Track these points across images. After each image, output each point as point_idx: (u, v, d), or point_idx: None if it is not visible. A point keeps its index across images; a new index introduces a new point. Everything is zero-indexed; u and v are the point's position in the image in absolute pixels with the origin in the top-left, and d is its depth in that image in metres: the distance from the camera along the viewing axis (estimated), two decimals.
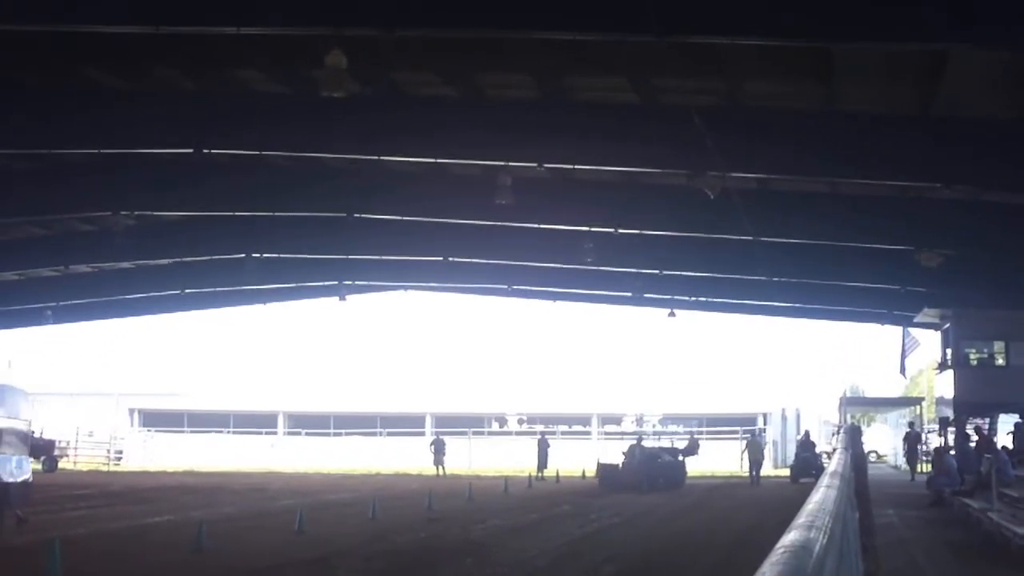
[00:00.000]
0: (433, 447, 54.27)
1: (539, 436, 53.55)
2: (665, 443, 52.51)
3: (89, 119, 21.41)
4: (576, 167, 24.49)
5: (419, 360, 70.61)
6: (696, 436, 53.46)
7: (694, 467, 48.44)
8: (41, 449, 47.45)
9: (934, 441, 45.10)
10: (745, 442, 50.53)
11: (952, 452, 33.92)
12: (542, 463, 49.14)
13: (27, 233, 33.21)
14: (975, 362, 38.45)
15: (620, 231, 29.65)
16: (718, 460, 53.76)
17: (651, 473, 39.41)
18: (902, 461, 57.68)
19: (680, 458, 43.58)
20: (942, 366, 40.98)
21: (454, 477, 47.99)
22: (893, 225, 26.31)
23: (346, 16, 15.06)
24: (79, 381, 69.06)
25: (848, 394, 61.32)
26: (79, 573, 16.05)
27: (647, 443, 47.44)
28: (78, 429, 63.19)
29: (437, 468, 52.48)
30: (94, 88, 21.35)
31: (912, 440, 47.97)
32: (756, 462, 46.59)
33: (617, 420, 68.43)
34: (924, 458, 49.38)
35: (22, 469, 23.81)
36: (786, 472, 48.89)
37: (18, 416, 24.33)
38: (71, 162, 26.90)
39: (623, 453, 42.19)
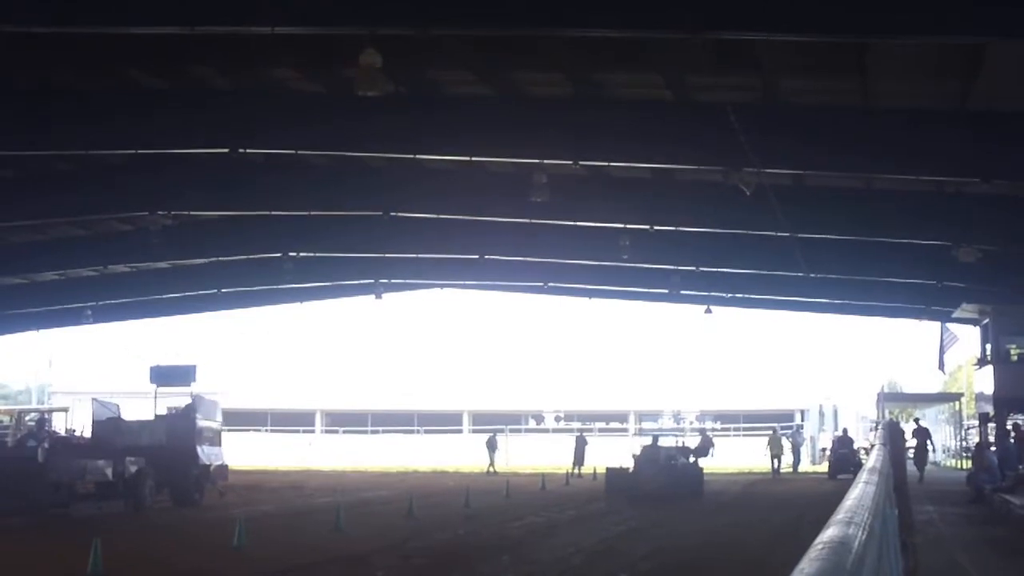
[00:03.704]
0: (488, 445, 54.42)
1: (576, 433, 53.54)
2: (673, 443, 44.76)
3: (126, 120, 21.54)
4: (611, 164, 24.46)
5: (456, 358, 70.60)
6: (709, 433, 52.06)
7: (725, 464, 48.38)
8: None
9: (974, 437, 44.71)
10: (768, 438, 51.32)
11: (993, 448, 33.69)
12: (579, 460, 49.19)
13: (66, 233, 33.47)
14: (1015, 358, 38.19)
15: (656, 228, 29.61)
16: (756, 456, 53.62)
17: (668, 479, 33.48)
18: (941, 457, 57.30)
19: (691, 459, 37.11)
20: (981, 362, 40.74)
21: (493, 474, 48.03)
22: (931, 221, 26.16)
23: (380, 15, 15.11)
24: (118, 380, 69.45)
25: (886, 390, 60.95)
26: (119, 572, 16.15)
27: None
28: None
29: (490, 465, 52.53)
30: (131, 89, 21.51)
31: (921, 437, 43.92)
32: (777, 456, 49.56)
33: (654, 417, 68.32)
34: (965, 454, 48.98)
35: (218, 456, 33.11)
36: (823, 468, 48.86)
37: (213, 419, 33.87)
38: (109, 163, 27.11)
39: (633, 456, 35.87)
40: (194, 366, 34.84)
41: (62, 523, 24.70)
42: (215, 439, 33.46)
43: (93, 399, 33.43)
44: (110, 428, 31.01)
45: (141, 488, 28.13)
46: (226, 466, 33.70)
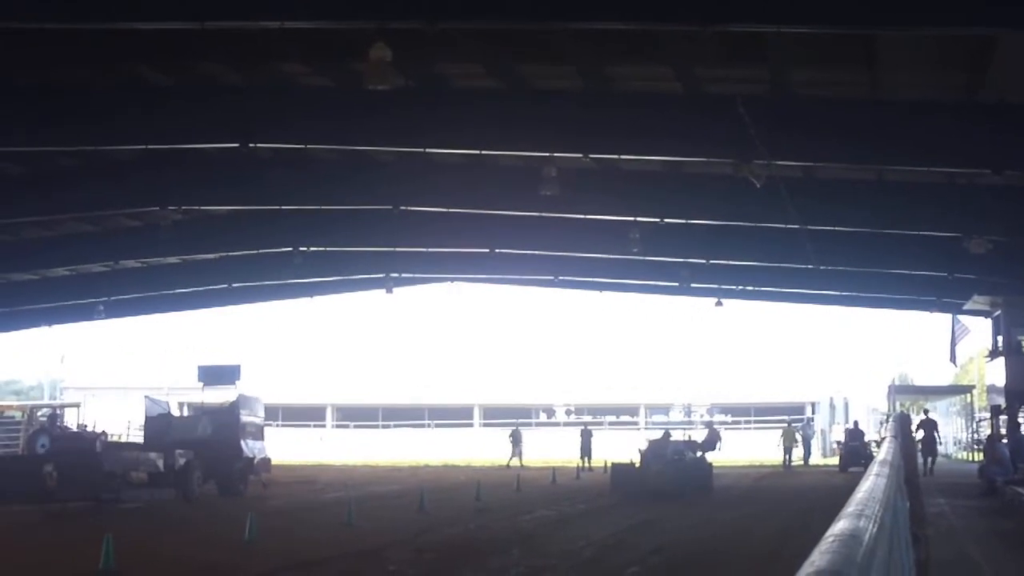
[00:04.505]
0: (512, 438, 54.25)
1: (582, 427, 53.55)
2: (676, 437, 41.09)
3: (135, 115, 21.57)
4: (621, 157, 24.45)
5: (466, 352, 70.61)
6: (716, 427, 51.56)
7: (736, 457, 48.29)
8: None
9: (986, 429, 44.54)
10: (781, 431, 51.47)
11: (1004, 441, 33.63)
12: (585, 453, 49.17)
13: (77, 229, 33.55)
14: None
15: (666, 221, 29.58)
16: (768, 449, 53.63)
17: (676, 474, 31.24)
18: (953, 449, 57.15)
19: (698, 454, 35.23)
20: (993, 354, 40.64)
21: (503, 468, 48.02)
22: (941, 212, 26.11)
23: (389, 9, 15.12)
24: (130, 375, 69.62)
25: (897, 382, 60.86)
26: (133, 568, 16.17)
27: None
28: (129, 423, 63.70)
29: (513, 459, 52.31)
30: (140, 84, 21.54)
31: (928, 428, 42.51)
32: (788, 449, 50.00)
33: (665, 410, 68.32)
34: (976, 447, 48.79)
35: (261, 449, 35.12)
36: (834, 461, 48.83)
37: (257, 415, 35.87)
38: (118, 158, 27.14)
39: (639, 451, 33.82)
40: (238, 366, 37.43)
41: (98, 513, 25.39)
42: (258, 433, 35.59)
43: (145, 396, 35.72)
44: (161, 423, 33.54)
45: (189, 479, 29.96)
46: (269, 459, 35.58)
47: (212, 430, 33.17)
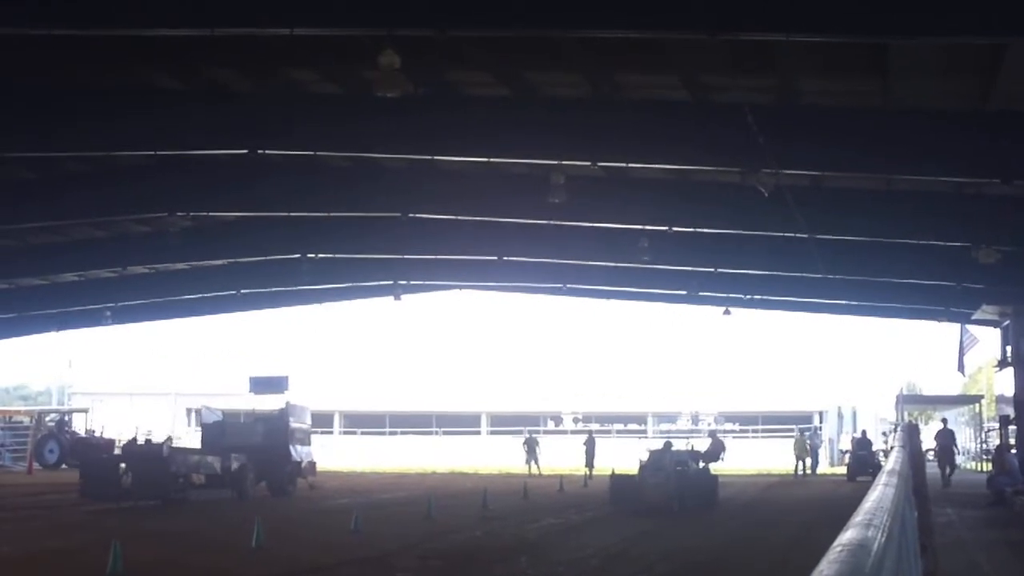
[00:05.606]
0: (526, 445, 54.13)
1: (587, 435, 53.47)
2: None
3: (146, 121, 21.60)
4: (629, 165, 24.43)
5: (474, 359, 70.58)
6: (720, 436, 51.35)
7: (744, 466, 48.10)
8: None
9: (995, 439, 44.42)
10: (794, 440, 51.45)
11: (1014, 451, 33.55)
12: (589, 461, 49.12)
13: (85, 235, 33.62)
14: None
15: (674, 229, 29.56)
16: (775, 458, 53.53)
17: (678, 487, 28.70)
18: (962, 459, 57.02)
19: (701, 464, 33.11)
20: (1002, 364, 40.56)
21: (509, 475, 47.95)
22: (950, 222, 26.07)
23: (399, 17, 15.12)
24: (138, 381, 69.71)
25: (905, 392, 60.74)
26: (139, 573, 16.16)
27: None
28: (137, 428, 63.79)
29: (530, 467, 52.11)
30: (150, 90, 21.56)
31: (944, 439, 41.85)
32: (800, 458, 50.01)
33: (672, 418, 68.23)
34: (985, 457, 48.65)
35: (308, 454, 37.73)
36: (842, 470, 48.75)
37: (304, 422, 38.56)
38: (127, 164, 27.22)
39: (640, 461, 30.77)
40: (287, 376, 40.28)
41: (121, 514, 26.38)
42: (305, 439, 38.14)
43: (203, 406, 38.99)
44: (216, 430, 35.99)
45: (244, 481, 32.38)
46: (315, 463, 38.30)
47: (263, 436, 35.14)
